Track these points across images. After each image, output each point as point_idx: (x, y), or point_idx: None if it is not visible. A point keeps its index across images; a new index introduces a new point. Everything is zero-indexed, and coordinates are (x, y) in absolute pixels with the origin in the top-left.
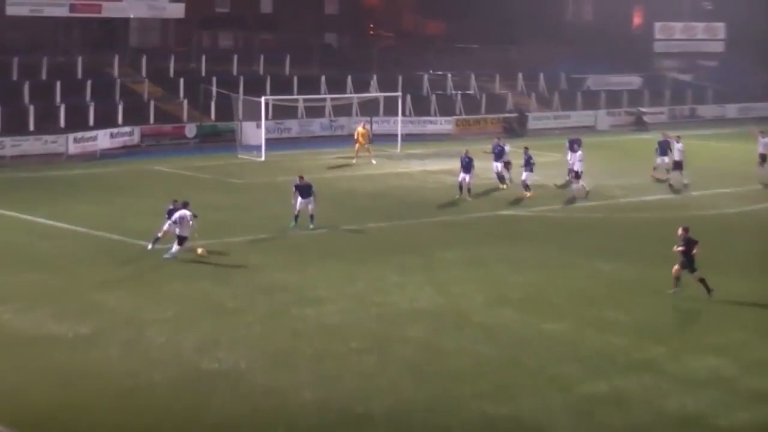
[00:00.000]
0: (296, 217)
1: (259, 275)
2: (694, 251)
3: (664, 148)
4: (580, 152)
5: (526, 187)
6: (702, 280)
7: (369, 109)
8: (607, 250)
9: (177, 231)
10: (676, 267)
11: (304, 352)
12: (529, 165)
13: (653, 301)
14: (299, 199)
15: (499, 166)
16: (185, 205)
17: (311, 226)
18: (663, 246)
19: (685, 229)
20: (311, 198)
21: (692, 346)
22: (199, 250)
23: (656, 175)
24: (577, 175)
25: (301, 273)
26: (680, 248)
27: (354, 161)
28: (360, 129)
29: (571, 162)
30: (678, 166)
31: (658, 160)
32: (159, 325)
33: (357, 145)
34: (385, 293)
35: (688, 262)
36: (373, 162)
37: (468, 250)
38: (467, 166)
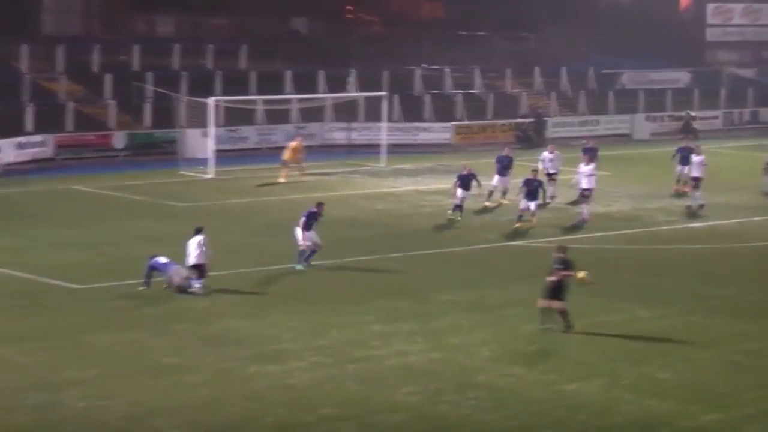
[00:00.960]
0: (303, 253)
1: (207, 324)
2: (570, 274)
3: (686, 157)
4: (592, 165)
5: (519, 217)
6: (563, 313)
7: (346, 112)
8: (646, 292)
9: (192, 261)
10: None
11: (263, 421)
12: (534, 194)
13: (705, 355)
14: (299, 230)
15: (505, 181)
16: (198, 232)
17: (301, 265)
18: (717, 286)
19: (562, 250)
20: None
21: (754, 411)
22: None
23: (680, 189)
24: (584, 194)
25: (260, 320)
26: (558, 273)
27: (282, 180)
28: (294, 144)
29: (577, 177)
30: (696, 183)
31: (678, 169)
32: (79, 387)
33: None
34: (367, 346)
35: (555, 290)
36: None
37: (470, 292)
38: (467, 184)
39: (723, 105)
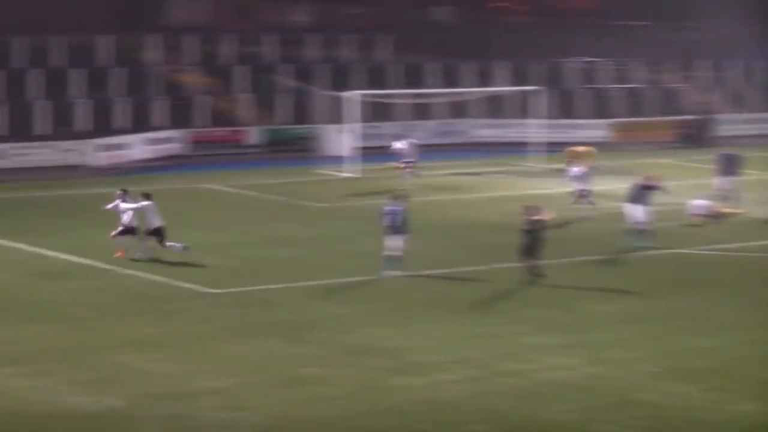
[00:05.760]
0: (391, 257)
1: (346, 332)
2: None
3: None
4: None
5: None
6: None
7: (493, 108)
8: None
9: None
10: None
11: None
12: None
13: None
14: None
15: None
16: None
17: (390, 272)
18: None
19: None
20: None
21: None
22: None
23: None
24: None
25: (402, 330)
26: None
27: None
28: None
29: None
30: None
31: None
32: (212, 397)
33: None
34: (518, 359)
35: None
36: None
37: (630, 303)
38: (638, 197)
39: None
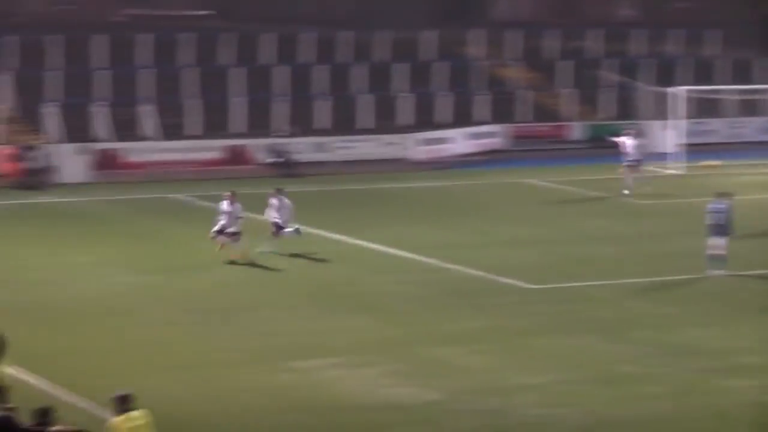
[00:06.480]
0: (715, 256)
1: (667, 332)
2: None
3: None
4: None
5: None
6: None
7: None
8: None
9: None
10: None
11: None
12: None
13: None
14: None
15: None
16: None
17: (715, 272)
18: None
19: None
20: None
21: None
22: None
23: None
24: None
25: (727, 330)
26: None
27: None
28: None
29: None
30: None
31: None
32: (530, 392)
33: None
34: None
35: None
36: None
37: None
38: None
39: None
